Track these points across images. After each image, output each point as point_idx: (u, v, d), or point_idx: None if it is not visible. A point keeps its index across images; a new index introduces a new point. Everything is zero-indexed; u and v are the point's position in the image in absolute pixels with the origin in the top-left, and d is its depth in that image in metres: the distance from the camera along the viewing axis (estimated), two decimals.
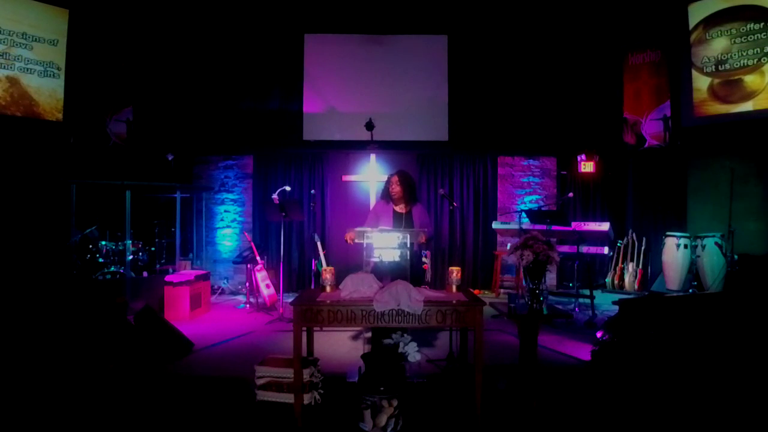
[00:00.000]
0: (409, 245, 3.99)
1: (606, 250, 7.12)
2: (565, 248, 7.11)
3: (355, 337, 5.22)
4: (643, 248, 7.55)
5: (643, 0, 7.55)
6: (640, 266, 7.51)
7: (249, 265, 6.77)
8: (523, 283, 4.75)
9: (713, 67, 6.81)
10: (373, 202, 7.38)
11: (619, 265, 7.72)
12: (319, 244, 6.14)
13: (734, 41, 6.60)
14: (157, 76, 7.75)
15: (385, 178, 5.12)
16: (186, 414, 3.46)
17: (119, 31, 7.29)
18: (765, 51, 6.33)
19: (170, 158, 7.16)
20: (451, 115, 8.23)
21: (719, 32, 6.74)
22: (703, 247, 6.45)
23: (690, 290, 6.61)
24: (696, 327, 3.56)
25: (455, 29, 8.24)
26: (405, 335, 3.64)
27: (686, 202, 7.38)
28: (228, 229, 8.17)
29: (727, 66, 6.67)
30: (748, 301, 3.95)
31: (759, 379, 3.15)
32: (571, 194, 7.10)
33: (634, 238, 7.65)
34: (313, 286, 6.37)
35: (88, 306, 4.83)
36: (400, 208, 4.73)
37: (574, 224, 6.66)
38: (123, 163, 7.20)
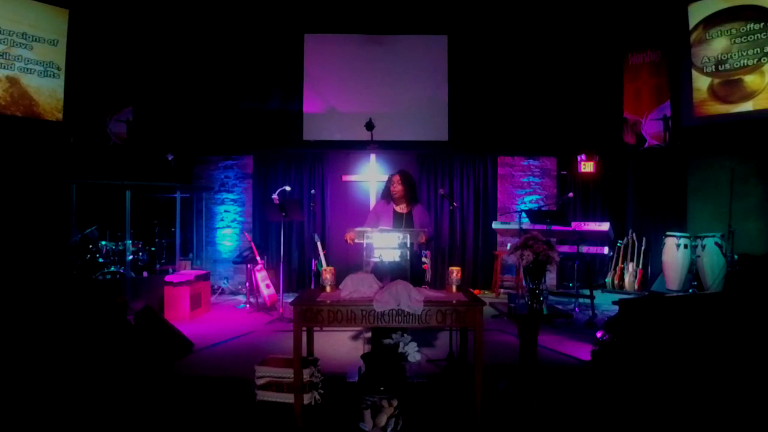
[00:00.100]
0: (409, 245, 3.99)
1: (606, 250, 7.12)
2: (565, 248, 7.11)
3: (355, 337, 5.22)
4: (643, 248, 7.55)
5: (643, 0, 7.55)
6: (640, 266, 7.52)
7: (249, 265, 6.77)
8: (523, 283, 4.75)
9: (713, 67, 6.81)
10: (373, 202, 7.39)
11: (619, 265, 7.72)
12: (319, 244, 6.14)
13: (734, 41, 6.60)
14: (157, 76, 7.75)
15: (385, 178, 5.12)
16: (186, 414, 3.46)
17: (119, 31, 7.30)
18: (765, 51, 6.33)
19: (170, 158, 7.16)
20: (451, 115, 8.23)
21: (719, 32, 6.74)
22: (703, 247, 6.45)
23: (690, 290, 6.61)
24: (696, 327, 3.56)
25: (455, 29, 8.24)
26: (405, 335, 3.64)
27: (686, 202, 7.39)
28: (228, 229, 8.17)
29: (727, 66, 6.68)
30: (748, 301, 3.95)
31: (759, 379, 3.15)
32: (571, 194, 7.10)
33: (634, 238, 7.65)
34: (313, 286, 6.37)
35: (88, 306, 4.83)
36: (401, 208, 4.73)
37: (574, 224, 6.66)
38: (123, 163, 7.20)
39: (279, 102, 8.25)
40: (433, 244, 7.12)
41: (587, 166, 8.04)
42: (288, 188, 6.55)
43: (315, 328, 3.94)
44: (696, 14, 6.96)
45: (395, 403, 3.16)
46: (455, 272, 3.60)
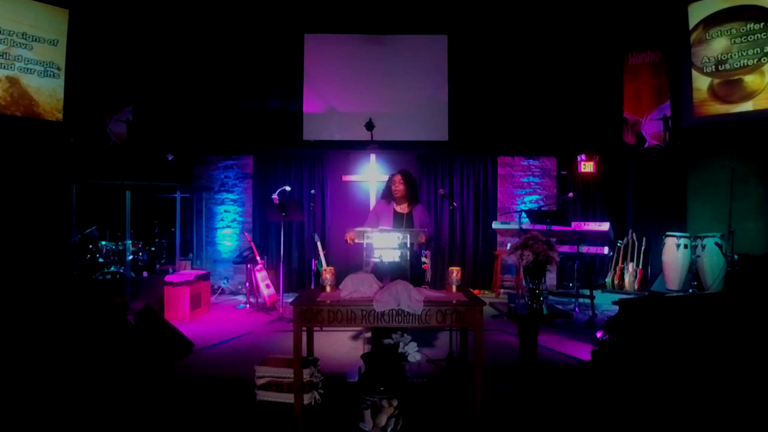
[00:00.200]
0: (409, 245, 3.99)
1: (606, 250, 7.12)
2: (565, 248, 7.11)
3: (355, 337, 5.22)
4: (643, 248, 7.55)
5: (643, 0, 7.55)
6: (640, 266, 7.52)
7: (249, 265, 6.77)
8: (523, 283, 4.75)
9: (713, 67, 6.81)
10: (373, 202, 7.39)
11: (619, 265, 7.72)
12: (319, 244, 6.14)
13: (734, 41, 6.60)
14: (157, 76, 7.75)
15: (385, 178, 5.12)
16: (186, 414, 3.46)
17: (119, 31, 7.30)
18: (765, 51, 6.33)
19: (170, 158, 7.16)
20: (451, 115, 8.23)
21: (719, 32, 6.74)
22: (703, 247, 6.44)
23: (690, 290, 6.61)
24: (696, 327, 3.56)
25: (455, 29, 8.24)
26: (405, 335, 3.64)
27: (686, 202, 7.38)
28: (228, 229, 8.17)
29: (727, 66, 6.67)
30: (748, 301, 3.95)
31: (759, 379, 3.15)
32: (571, 194, 7.10)
33: (634, 238, 7.65)
34: (313, 286, 6.37)
35: (88, 306, 4.83)
36: (401, 208, 4.73)
37: (574, 224, 6.66)
38: (123, 163, 7.20)
39: (279, 102, 8.25)
40: (433, 244, 7.12)
41: (587, 166, 8.03)
42: (288, 188, 6.56)
43: (315, 328, 3.94)
44: (696, 14, 6.96)
45: (395, 403, 3.16)
46: (455, 272, 3.61)
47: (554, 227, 6.33)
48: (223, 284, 7.85)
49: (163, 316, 5.57)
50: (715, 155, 6.98)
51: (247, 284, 6.98)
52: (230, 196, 8.18)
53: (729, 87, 6.69)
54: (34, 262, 6.11)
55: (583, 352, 4.45)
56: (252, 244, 6.82)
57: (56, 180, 6.48)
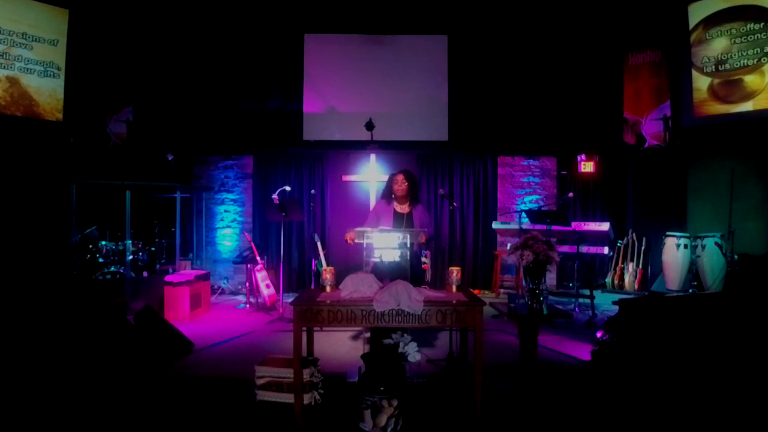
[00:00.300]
0: (409, 245, 3.99)
1: (606, 250, 7.12)
2: (565, 248, 7.11)
3: (355, 337, 5.22)
4: (643, 248, 7.55)
5: (643, 0, 7.55)
6: (640, 266, 7.52)
7: (249, 265, 6.77)
8: (523, 283, 4.75)
9: (713, 67, 6.81)
10: (373, 202, 7.39)
11: (619, 265, 7.72)
12: (319, 244, 6.14)
13: (734, 41, 6.60)
14: (157, 76, 7.75)
15: (385, 178, 5.12)
16: (186, 414, 3.46)
17: (119, 31, 7.30)
18: (765, 51, 6.33)
19: (170, 158, 7.16)
20: (451, 115, 8.23)
21: (719, 32, 6.74)
22: (703, 247, 6.44)
23: (690, 290, 6.61)
24: (696, 327, 3.56)
25: (455, 29, 8.24)
26: (405, 335, 3.64)
27: (686, 202, 7.38)
28: (228, 229, 8.17)
29: (727, 66, 6.67)
30: (748, 301, 3.95)
31: (759, 379, 3.15)
32: (571, 194, 7.10)
33: (634, 238, 7.65)
34: (313, 286, 6.37)
35: (88, 306, 4.83)
36: (401, 208, 4.73)
37: (574, 224, 6.66)
38: (123, 163, 7.20)
39: (279, 102, 8.25)
40: (433, 244, 7.12)
41: (587, 166, 8.03)
42: (288, 188, 6.56)
43: (315, 328, 3.94)
44: (696, 14, 6.96)
45: (395, 403, 3.16)
46: (455, 272, 3.61)
47: (554, 227, 6.33)
48: (223, 284, 7.85)
49: (163, 316, 5.56)
50: (715, 155, 6.98)
51: (247, 284, 6.98)
52: (230, 196, 8.18)
53: (729, 87, 6.69)
54: (34, 262, 6.11)
55: (583, 352, 4.45)
56: (252, 244, 6.82)
57: (56, 180, 6.48)
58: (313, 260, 6.52)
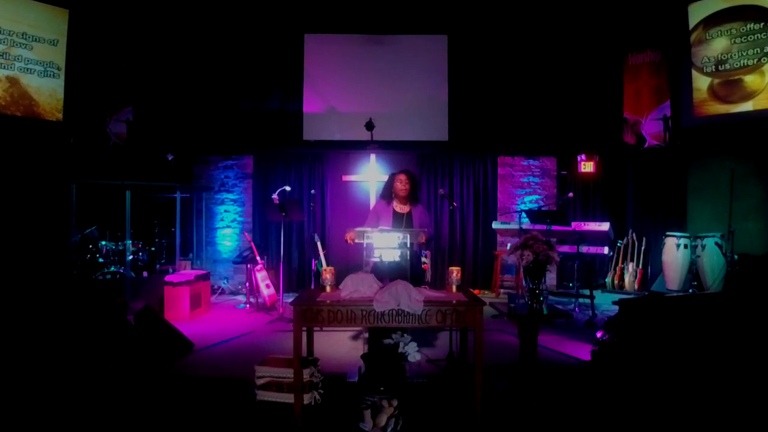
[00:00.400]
0: (409, 245, 3.99)
1: (606, 250, 7.12)
2: (565, 248, 7.11)
3: (355, 337, 5.23)
4: (643, 248, 7.55)
5: (643, 0, 7.55)
6: (640, 266, 7.52)
7: (249, 265, 6.77)
8: (523, 283, 4.75)
9: (713, 67, 6.81)
10: (373, 202, 7.38)
11: (619, 265, 7.72)
12: (319, 244, 6.14)
13: (734, 41, 6.60)
14: (157, 76, 7.75)
15: (385, 178, 5.12)
16: (186, 414, 3.46)
17: (119, 31, 7.30)
18: (765, 51, 6.33)
19: (170, 158, 7.16)
20: (451, 115, 8.23)
21: (719, 32, 6.74)
22: (703, 247, 6.44)
23: (690, 290, 6.61)
24: (696, 327, 3.56)
25: (455, 29, 8.24)
26: (405, 335, 3.64)
27: (686, 202, 7.38)
28: (228, 229, 8.17)
29: (727, 66, 6.67)
30: (748, 301, 3.95)
31: (759, 379, 3.15)
32: (571, 194, 7.10)
33: (634, 238, 7.65)
34: (313, 286, 6.37)
35: (88, 306, 4.83)
36: (401, 208, 4.73)
37: (574, 224, 6.66)
38: (123, 163, 7.20)
39: (279, 102, 8.25)
40: (433, 244, 7.12)
41: (587, 166, 8.03)
42: (288, 188, 6.56)
43: (315, 328, 3.94)
44: (696, 14, 6.96)
45: (395, 403, 3.16)
46: (455, 272, 3.61)
47: (554, 227, 6.33)
48: (223, 284, 7.85)
49: (163, 316, 5.56)
50: (715, 155, 6.98)
51: (247, 284, 6.98)
52: (230, 196, 8.18)
53: (729, 87, 6.69)
54: (34, 262, 6.11)
55: (583, 352, 4.45)
56: (252, 244, 6.82)
57: (56, 180, 6.48)
58: (313, 260, 6.51)
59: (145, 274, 6.59)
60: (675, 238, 6.74)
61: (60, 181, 6.41)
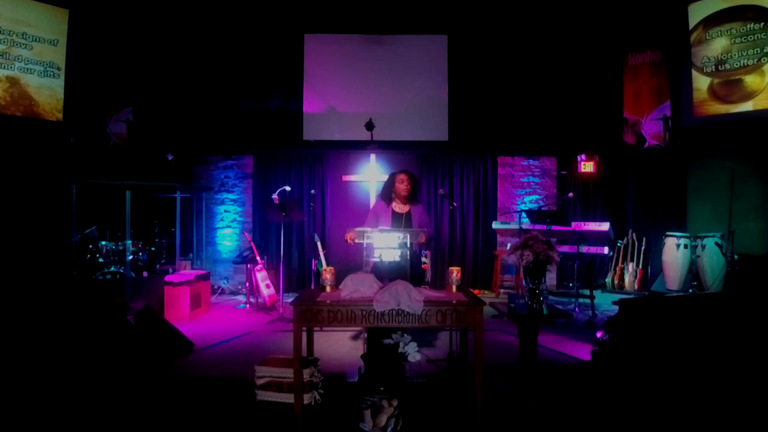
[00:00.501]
0: (409, 245, 3.99)
1: (606, 250, 7.11)
2: (565, 248, 7.10)
3: (355, 337, 5.23)
4: (643, 248, 7.55)
5: (643, 0, 7.55)
6: (640, 266, 7.52)
7: (249, 265, 6.77)
8: (523, 283, 4.75)
9: (713, 67, 6.81)
10: (373, 202, 7.38)
11: (619, 265, 7.72)
12: (319, 244, 6.14)
13: (734, 41, 6.60)
14: (157, 76, 7.75)
15: (385, 178, 5.12)
16: (186, 414, 3.46)
17: (119, 31, 7.30)
18: (765, 51, 6.33)
19: (170, 158, 7.16)
20: (451, 115, 8.23)
21: (719, 32, 6.74)
22: (703, 247, 6.44)
23: (690, 290, 6.61)
24: (696, 327, 3.56)
25: (455, 29, 8.24)
26: (405, 335, 3.64)
27: (686, 202, 7.38)
28: (228, 229, 8.17)
29: (727, 66, 6.67)
30: (748, 301, 3.95)
31: (759, 379, 3.15)
32: (571, 194, 7.10)
33: (634, 238, 7.65)
34: (313, 286, 6.37)
35: (88, 306, 4.83)
36: (400, 208, 4.73)
37: (574, 224, 6.66)
38: (123, 163, 7.20)
39: (279, 102, 8.25)
40: (433, 244, 7.12)
41: (587, 166, 8.03)
42: (288, 188, 6.56)
43: (315, 328, 3.94)
44: (696, 14, 6.96)
45: (395, 403, 3.16)
46: (455, 272, 3.60)
47: (554, 227, 6.33)
48: (223, 284, 7.85)
49: (163, 316, 5.56)
50: (715, 155, 6.98)
51: (247, 284, 6.99)
52: (230, 196, 8.18)
53: (729, 87, 6.69)
54: (34, 262, 6.11)
55: (583, 352, 4.45)
56: (252, 244, 6.82)
57: (56, 180, 6.48)
58: (313, 260, 6.52)
59: (145, 274, 6.59)
60: (675, 238, 6.74)
61: (60, 181, 6.41)
